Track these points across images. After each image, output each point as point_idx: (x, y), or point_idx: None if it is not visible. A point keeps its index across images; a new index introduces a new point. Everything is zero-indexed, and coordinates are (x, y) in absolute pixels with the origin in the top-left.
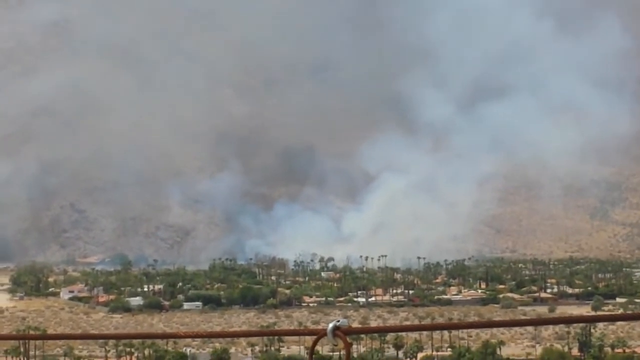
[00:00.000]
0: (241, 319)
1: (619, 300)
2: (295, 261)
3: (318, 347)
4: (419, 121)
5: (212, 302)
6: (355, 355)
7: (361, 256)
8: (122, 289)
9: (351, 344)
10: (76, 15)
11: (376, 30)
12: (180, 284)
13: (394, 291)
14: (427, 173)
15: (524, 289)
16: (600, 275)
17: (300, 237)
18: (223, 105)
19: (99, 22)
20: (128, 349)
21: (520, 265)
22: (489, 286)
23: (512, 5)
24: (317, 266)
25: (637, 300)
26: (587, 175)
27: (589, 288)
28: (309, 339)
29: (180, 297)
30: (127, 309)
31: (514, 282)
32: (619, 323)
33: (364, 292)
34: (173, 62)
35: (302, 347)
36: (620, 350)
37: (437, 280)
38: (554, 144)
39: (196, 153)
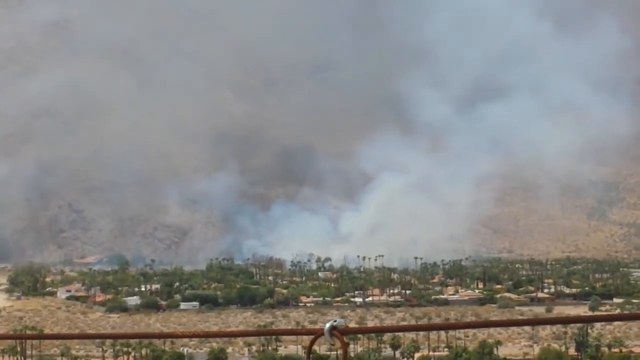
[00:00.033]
0: (238, 318)
1: (616, 300)
2: (292, 261)
3: (315, 347)
4: (417, 121)
5: (209, 302)
6: (352, 355)
7: (358, 256)
8: (120, 288)
9: (348, 344)
10: (76, 15)
11: (375, 30)
12: (178, 284)
13: (391, 291)
14: (425, 173)
15: (521, 289)
16: (597, 276)
17: (298, 237)
18: (222, 105)
19: (98, 22)
20: (125, 349)
21: (517, 265)
22: (486, 286)
23: (512, 5)
24: (315, 266)
25: (634, 301)
26: (585, 175)
27: (586, 288)
28: (306, 339)
29: (178, 297)
30: (125, 309)
31: (511, 282)
32: (616, 323)
33: (361, 292)
34: (172, 62)
35: (299, 346)
36: (617, 350)
37: (434, 280)
38: (552, 144)
39: (194, 153)
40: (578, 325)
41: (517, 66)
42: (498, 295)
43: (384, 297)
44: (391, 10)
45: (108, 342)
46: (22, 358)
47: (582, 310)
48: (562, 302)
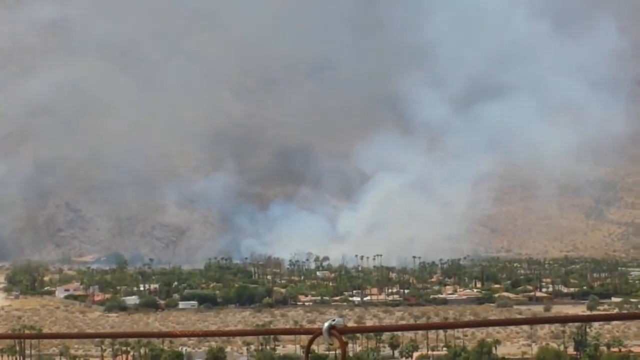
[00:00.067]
0: (237, 318)
1: (614, 299)
2: (290, 260)
3: (314, 346)
4: (416, 121)
5: (207, 301)
6: (350, 354)
7: (356, 255)
8: (118, 288)
9: (347, 343)
10: (74, 15)
11: (374, 30)
12: (176, 283)
13: (390, 290)
14: (423, 173)
15: (520, 288)
16: (595, 275)
17: (296, 237)
18: (221, 105)
19: (97, 22)
20: (124, 348)
21: (515, 264)
22: (484, 285)
23: (510, 5)
24: (313, 265)
25: (632, 300)
26: (583, 175)
27: (584, 287)
28: (305, 338)
29: (176, 296)
30: (123, 308)
31: (509, 282)
32: (614, 322)
33: (360, 291)
34: (171, 62)
35: (297, 346)
36: (615, 349)
37: (433, 280)
38: (550, 143)
39: (193, 153)
40: (576, 324)
41: (516, 66)
42: (496, 295)
43: (382, 297)
44: (390, 11)
45: (107, 341)
46: (21, 357)
47: (581, 309)
48: (561, 301)
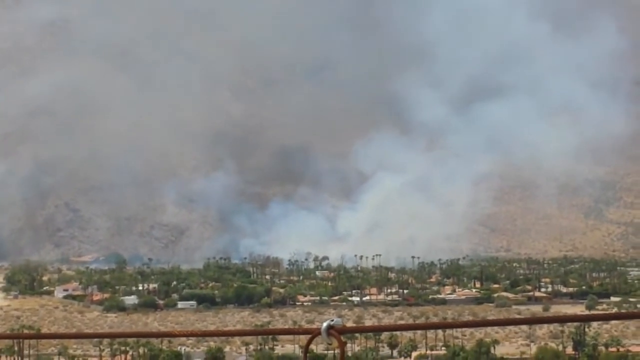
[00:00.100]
0: (235, 317)
1: (613, 299)
2: (289, 260)
3: (312, 346)
4: (415, 121)
5: (206, 301)
6: (349, 354)
7: (355, 255)
8: (117, 287)
9: (345, 343)
10: (74, 15)
11: (373, 30)
12: (175, 283)
13: (389, 290)
14: (422, 172)
15: (518, 288)
16: (594, 275)
17: (295, 236)
18: (220, 105)
19: (96, 22)
20: (123, 348)
21: (514, 264)
22: (483, 285)
23: (509, 6)
24: (312, 265)
25: (631, 299)
26: (582, 174)
27: (583, 287)
28: (304, 338)
29: (175, 296)
30: (122, 308)
31: (508, 282)
32: (613, 322)
33: (359, 291)
34: (171, 62)
35: (296, 346)
36: (614, 349)
37: (432, 280)
38: (550, 143)
39: (192, 152)
40: (575, 324)
41: (515, 66)
42: (495, 295)
43: (381, 297)
44: (389, 11)
45: (105, 341)
46: (20, 358)
47: (579, 309)
48: (559, 301)
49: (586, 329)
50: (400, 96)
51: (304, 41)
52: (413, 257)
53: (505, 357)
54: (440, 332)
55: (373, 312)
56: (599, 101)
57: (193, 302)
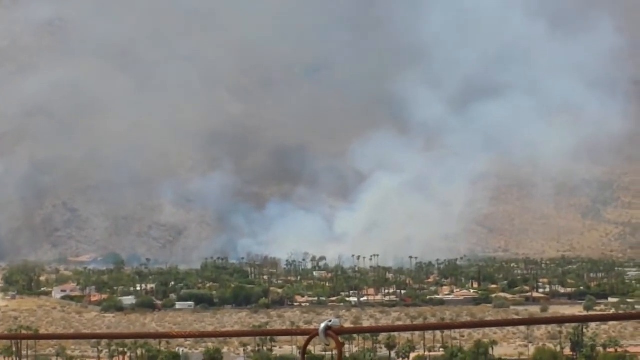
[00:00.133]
0: (233, 318)
1: (611, 299)
2: (287, 260)
3: (310, 347)
4: (413, 120)
5: (204, 302)
6: (347, 355)
7: (353, 255)
8: (115, 288)
9: (343, 344)
10: (71, 14)
11: (371, 30)
12: (173, 283)
13: (386, 291)
14: (420, 172)
15: (516, 288)
16: (592, 275)
17: (292, 237)
18: (218, 105)
19: (93, 21)
20: (121, 349)
21: (512, 264)
22: (481, 286)
23: (507, 6)
24: (309, 266)
25: (629, 300)
26: (580, 174)
27: (581, 288)
28: (301, 339)
29: (173, 296)
30: (120, 309)
31: (506, 282)
32: (611, 323)
33: (356, 291)
34: (169, 62)
35: (294, 347)
36: (612, 349)
37: (430, 280)
38: (547, 143)
39: (189, 152)
40: (573, 325)
41: (513, 66)
42: (493, 295)
43: (379, 297)
44: (387, 11)
45: (104, 342)
46: (18, 358)
47: (577, 309)
48: (557, 301)
49: (584, 330)
50: (398, 96)
51: (302, 41)
52: (411, 257)
53: (503, 357)
54: (438, 333)
55: (371, 312)
56: (596, 101)
57: (191, 303)
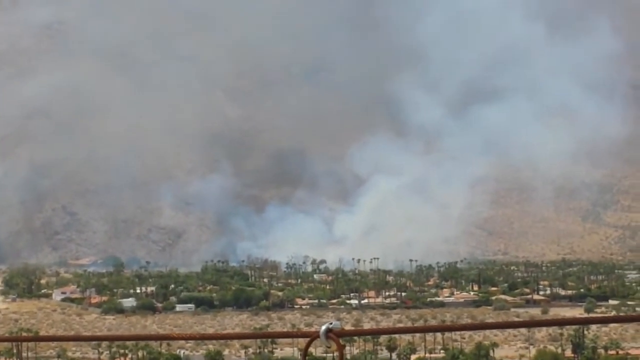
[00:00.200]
0: (234, 321)
1: (611, 302)
2: (287, 263)
3: (311, 349)
4: (412, 123)
5: (204, 304)
6: (348, 357)
7: (353, 258)
8: (115, 290)
9: (344, 346)
10: (70, 16)
11: (370, 32)
12: (173, 285)
13: (387, 293)
14: (419, 175)
15: (517, 291)
16: (592, 277)
17: (292, 239)
18: (217, 107)
19: (92, 23)
20: (121, 351)
21: (512, 267)
22: (481, 288)
23: (505, 8)
24: (310, 268)
25: (629, 302)
26: (579, 177)
27: (582, 290)
28: (302, 341)
29: (173, 299)
30: (120, 311)
31: (506, 284)
32: (612, 325)
33: (357, 294)
34: (167, 64)
35: (295, 349)
36: (613, 351)
37: (430, 283)
38: (546, 146)
39: (188, 155)
40: (574, 327)
41: (511, 68)
42: (493, 297)
43: (379, 300)
44: (386, 13)
45: (104, 344)
46: None
47: (578, 312)
48: (558, 304)
49: (585, 332)
50: (397, 99)
51: (301, 43)
52: (411, 260)
53: None
54: (439, 335)
55: (371, 315)
56: (595, 104)
57: (191, 305)
